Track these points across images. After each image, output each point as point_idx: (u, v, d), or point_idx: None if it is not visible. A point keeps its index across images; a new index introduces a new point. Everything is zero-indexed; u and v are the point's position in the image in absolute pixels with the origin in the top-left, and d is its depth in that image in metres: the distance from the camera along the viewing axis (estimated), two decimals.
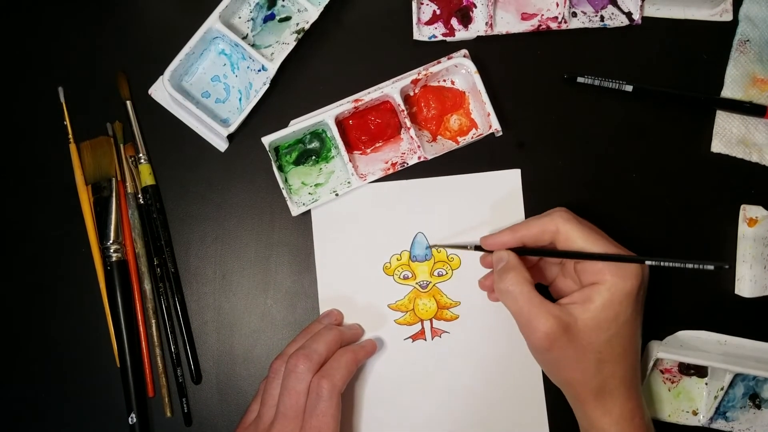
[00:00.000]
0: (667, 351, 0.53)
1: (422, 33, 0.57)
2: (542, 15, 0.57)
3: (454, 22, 0.57)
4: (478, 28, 0.57)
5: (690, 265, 0.46)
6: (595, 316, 0.45)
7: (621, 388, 0.46)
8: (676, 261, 0.46)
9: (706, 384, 0.55)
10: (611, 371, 0.46)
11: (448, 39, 0.57)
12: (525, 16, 0.57)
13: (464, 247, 0.54)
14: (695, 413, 0.55)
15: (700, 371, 0.55)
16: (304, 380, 0.48)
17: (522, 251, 0.49)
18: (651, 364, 0.53)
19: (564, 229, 0.47)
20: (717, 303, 0.56)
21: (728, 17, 0.58)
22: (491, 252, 0.51)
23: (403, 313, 0.56)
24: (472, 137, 0.56)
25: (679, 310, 0.56)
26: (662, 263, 0.46)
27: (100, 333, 0.55)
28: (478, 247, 0.52)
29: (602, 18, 0.58)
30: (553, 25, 0.57)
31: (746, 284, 0.56)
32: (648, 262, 0.46)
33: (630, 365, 0.47)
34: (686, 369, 0.55)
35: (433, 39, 0.57)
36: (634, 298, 0.46)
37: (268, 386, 0.50)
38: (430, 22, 0.57)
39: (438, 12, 0.57)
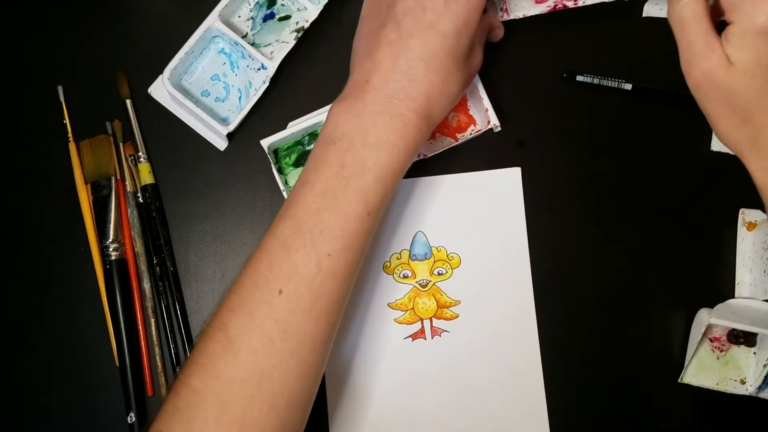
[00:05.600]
0: (719, 318, 0.52)
1: None
2: None
3: None
4: (493, 14, 0.57)
5: None
6: (758, 53, 0.40)
7: None
8: None
9: (755, 353, 0.55)
10: (762, 123, 0.42)
11: None
12: None
13: None
14: (743, 382, 0.55)
15: (749, 340, 0.55)
16: None
17: None
18: (702, 330, 0.53)
19: None
20: None
21: None
22: None
23: (403, 312, 0.56)
24: (471, 133, 0.56)
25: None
26: None
27: (98, 332, 0.55)
28: None
29: None
30: (570, 4, 0.57)
31: (746, 288, 0.56)
32: None
33: None
34: (735, 338, 0.55)
35: None
36: None
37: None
38: None
39: None
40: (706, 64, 0.42)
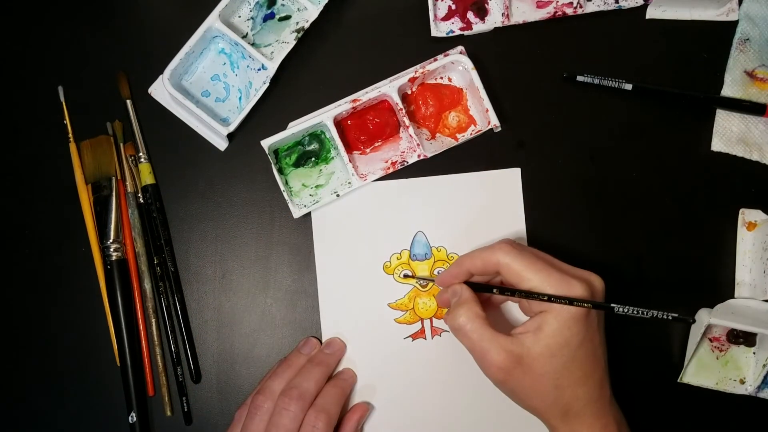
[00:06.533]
0: (718, 318, 0.52)
1: (439, 29, 0.57)
2: (557, 1, 0.57)
3: (470, 15, 0.57)
4: (494, 19, 0.57)
5: (648, 314, 0.46)
6: (546, 345, 0.45)
7: (588, 409, 0.47)
8: (624, 307, 0.46)
9: (754, 353, 0.55)
10: (573, 394, 0.46)
11: (466, 33, 0.57)
12: (540, 4, 0.57)
13: (430, 280, 0.55)
14: (742, 382, 0.55)
15: (749, 340, 0.55)
16: (296, 419, 0.49)
17: (476, 287, 0.49)
18: (702, 330, 0.53)
19: (505, 260, 0.47)
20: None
21: (734, 17, 0.58)
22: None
23: (403, 312, 0.56)
24: (471, 133, 0.56)
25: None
26: (601, 307, 0.47)
27: (100, 332, 0.55)
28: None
29: (617, 0, 0.58)
30: (569, 11, 0.57)
31: (746, 288, 0.56)
32: (585, 305, 0.46)
33: (594, 385, 0.47)
34: (735, 338, 0.55)
35: (451, 34, 0.57)
36: (584, 320, 0.46)
37: (250, 421, 0.50)
38: (446, 18, 0.57)
39: (453, 7, 0.57)
40: (499, 361, 0.46)
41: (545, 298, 0.46)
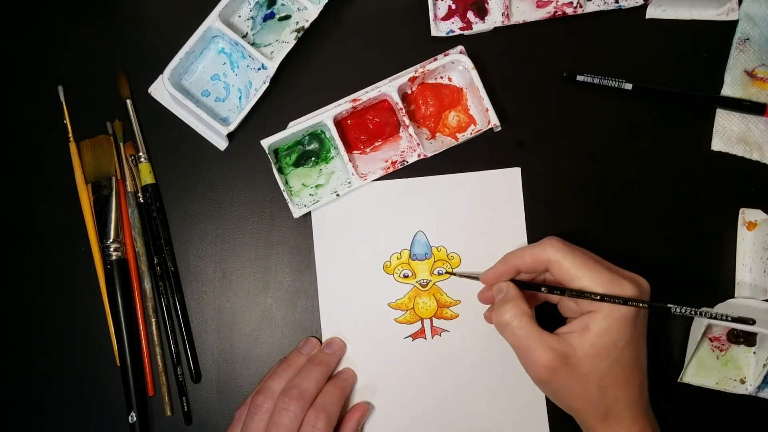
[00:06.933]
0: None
1: (439, 29, 0.57)
2: (557, 1, 0.57)
3: (470, 15, 0.57)
4: (494, 19, 0.57)
5: (706, 315, 0.45)
6: (593, 344, 0.45)
7: (627, 411, 0.47)
8: (681, 308, 0.46)
9: (755, 353, 0.55)
10: (615, 396, 0.46)
11: (466, 33, 0.57)
12: (540, 4, 0.57)
13: (474, 277, 0.53)
14: (743, 382, 0.55)
15: (749, 339, 0.55)
16: (296, 419, 0.49)
17: (522, 285, 0.49)
18: (702, 330, 0.53)
19: (555, 257, 0.47)
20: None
21: (734, 16, 0.58)
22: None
23: (403, 311, 0.56)
24: (471, 133, 0.56)
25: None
26: (653, 305, 0.46)
27: (100, 332, 0.55)
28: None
29: (617, 0, 0.58)
30: (569, 11, 0.57)
31: (746, 288, 0.56)
32: (639, 305, 0.46)
33: (635, 387, 0.47)
34: (735, 337, 0.55)
35: (451, 34, 0.57)
36: (632, 322, 0.46)
37: (250, 421, 0.50)
38: (446, 18, 0.57)
39: (453, 7, 0.57)
40: (545, 359, 0.46)
41: (597, 298, 0.45)
